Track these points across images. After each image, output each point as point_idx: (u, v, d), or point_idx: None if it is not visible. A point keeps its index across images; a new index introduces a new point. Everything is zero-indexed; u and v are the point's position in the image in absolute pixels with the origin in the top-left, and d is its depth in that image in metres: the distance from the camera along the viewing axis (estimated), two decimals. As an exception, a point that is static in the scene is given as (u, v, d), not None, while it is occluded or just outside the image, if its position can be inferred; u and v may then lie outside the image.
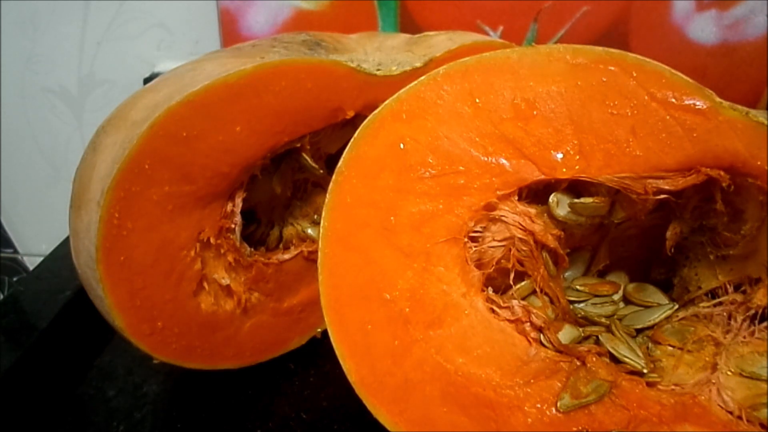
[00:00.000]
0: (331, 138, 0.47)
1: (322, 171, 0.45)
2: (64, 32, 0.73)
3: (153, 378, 0.47)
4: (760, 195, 0.32)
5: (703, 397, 0.32)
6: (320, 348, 0.47)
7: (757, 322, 0.34)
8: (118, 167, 0.34)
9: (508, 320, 0.33)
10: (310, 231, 0.49)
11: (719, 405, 0.32)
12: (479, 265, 0.33)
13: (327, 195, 0.31)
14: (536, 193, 0.34)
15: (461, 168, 0.31)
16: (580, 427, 0.30)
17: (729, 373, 0.33)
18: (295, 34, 0.51)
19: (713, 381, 0.32)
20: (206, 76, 0.37)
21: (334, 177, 0.31)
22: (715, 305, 0.35)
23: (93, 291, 0.37)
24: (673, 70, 0.31)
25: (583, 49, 0.31)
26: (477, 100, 0.31)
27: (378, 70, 0.43)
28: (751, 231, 0.33)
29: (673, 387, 0.33)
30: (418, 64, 0.44)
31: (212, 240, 0.39)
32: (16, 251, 0.95)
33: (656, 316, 0.36)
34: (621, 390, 0.32)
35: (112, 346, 0.51)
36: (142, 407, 0.45)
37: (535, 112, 0.31)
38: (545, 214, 0.34)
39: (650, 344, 0.36)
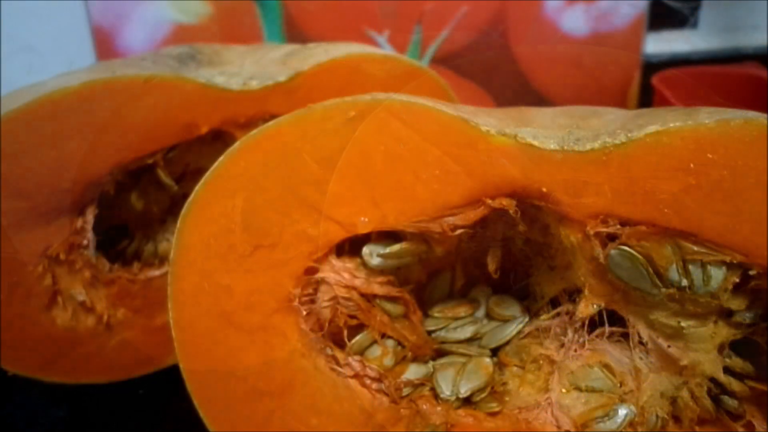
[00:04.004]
0: (199, 153, 0.46)
1: (176, 188, 0.44)
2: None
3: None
4: (547, 213, 0.32)
5: (539, 422, 0.33)
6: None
7: (586, 332, 0.34)
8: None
9: (350, 376, 0.34)
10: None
11: (554, 426, 0.33)
12: (320, 326, 0.34)
13: (168, 286, 0.32)
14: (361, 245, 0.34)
15: (275, 240, 0.32)
16: None
17: (563, 390, 0.34)
18: (176, 47, 0.51)
19: (548, 402, 0.34)
20: (44, 92, 0.36)
21: (170, 269, 0.32)
22: (552, 317, 0.36)
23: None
24: (439, 106, 0.31)
25: (353, 102, 0.31)
26: (273, 170, 0.32)
27: (244, 84, 0.43)
28: (560, 245, 0.34)
29: (518, 410, 0.34)
30: (281, 78, 0.44)
31: (62, 256, 0.39)
32: None
33: (507, 334, 0.37)
34: (460, 426, 0.33)
35: None
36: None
37: (326, 173, 0.31)
38: (366, 268, 0.34)
39: (500, 367, 0.36)
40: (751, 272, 0.28)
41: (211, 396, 0.32)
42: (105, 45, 0.68)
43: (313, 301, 0.34)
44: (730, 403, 0.32)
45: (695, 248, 0.29)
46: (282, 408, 0.32)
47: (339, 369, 0.33)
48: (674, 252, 0.29)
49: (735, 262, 0.28)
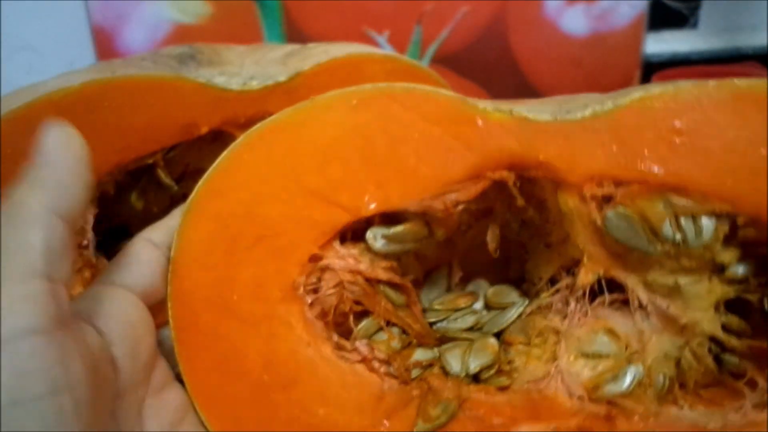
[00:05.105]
0: (199, 153, 0.46)
1: (176, 188, 0.44)
2: None
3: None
4: (546, 182, 0.33)
5: (550, 390, 0.33)
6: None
7: (587, 300, 0.35)
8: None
9: (358, 361, 0.33)
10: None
11: (565, 393, 0.33)
12: (324, 315, 0.34)
13: (168, 285, 0.32)
14: (363, 232, 0.35)
15: (279, 230, 0.32)
16: None
17: (571, 358, 0.34)
18: (176, 47, 0.51)
19: (557, 370, 0.34)
20: (44, 92, 0.36)
21: (170, 267, 0.32)
22: (553, 294, 0.36)
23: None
24: (440, 89, 0.33)
25: (355, 91, 0.33)
26: (276, 162, 0.32)
27: (244, 84, 0.43)
28: (557, 217, 0.35)
29: (527, 385, 0.34)
30: (281, 78, 0.44)
31: (62, 256, 0.38)
32: None
33: (509, 317, 0.37)
34: (472, 402, 0.33)
35: None
36: None
37: (330, 160, 0.32)
38: (370, 252, 0.35)
39: (504, 347, 0.36)
40: (739, 221, 0.30)
41: (215, 397, 0.32)
42: (105, 45, 0.68)
43: (317, 290, 0.34)
44: (731, 360, 0.33)
45: (685, 202, 0.30)
46: (288, 401, 0.32)
47: (346, 355, 0.33)
48: (666, 208, 0.31)
49: (723, 212, 0.30)
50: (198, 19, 0.69)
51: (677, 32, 0.76)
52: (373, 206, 0.32)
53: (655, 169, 0.30)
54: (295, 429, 0.32)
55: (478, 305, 0.39)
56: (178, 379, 0.33)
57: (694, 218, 0.31)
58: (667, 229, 0.31)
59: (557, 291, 0.36)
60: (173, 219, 0.35)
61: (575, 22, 0.70)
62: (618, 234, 0.32)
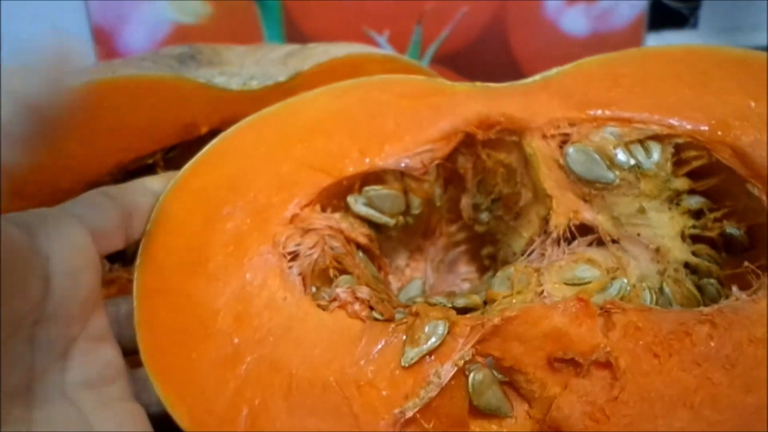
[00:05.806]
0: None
1: None
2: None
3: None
4: (511, 136, 0.37)
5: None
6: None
7: (563, 244, 0.37)
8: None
9: (338, 307, 0.33)
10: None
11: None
12: (303, 271, 0.34)
13: (137, 257, 0.33)
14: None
15: (263, 195, 0.34)
16: (430, 375, 0.30)
17: (555, 285, 0.35)
18: (176, 47, 0.51)
19: (544, 295, 0.35)
20: None
21: (143, 240, 0.33)
22: (529, 255, 0.38)
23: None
24: (412, 76, 0.40)
25: (339, 85, 0.38)
26: (265, 141, 0.36)
27: (244, 84, 0.44)
28: (523, 177, 0.38)
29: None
30: (281, 79, 0.44)
31: (61, 256, 0.38)
32: None
33: (489, 284, 0.38)
34: (460, 328, 0.31)
35: None
36: None
37: (315, 135, 0.36)
38: (351, 217, 0.37)
39: (488, 307, 0.36)
40: (679, 140, 0.35)
41: (173, 362, 0.31)
42: (105, 45, 0.68)
43: (297, 256, 0.34)
44: (711, 284, 0.35)
45: (629, 129, 0.35)
46: (260, 359, 0.31)
47: (325, 304, 0.33)
48: (617, 138, 0.36)
49: (664, 134, 0.35)
50: (198, 19, 0.69)
51: (677, 32, 0.76)
52: (353, 168, 0.35)
53: (601, 110, 0.36)
54: (266, 387, 0.30)
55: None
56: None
57: (642, 144, 0.36)
58: (621, 155, 0.35)
59: (533, 252, 0.38)
60: (135, 182, 0.36)
61: (575, 22, 0.70)
62: (579, 168, 0.36)
